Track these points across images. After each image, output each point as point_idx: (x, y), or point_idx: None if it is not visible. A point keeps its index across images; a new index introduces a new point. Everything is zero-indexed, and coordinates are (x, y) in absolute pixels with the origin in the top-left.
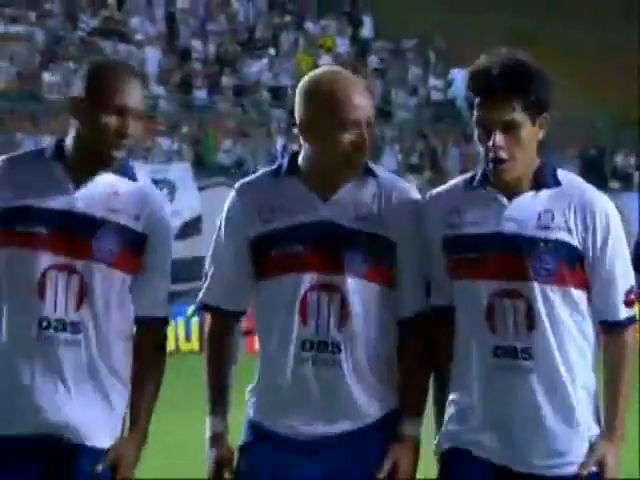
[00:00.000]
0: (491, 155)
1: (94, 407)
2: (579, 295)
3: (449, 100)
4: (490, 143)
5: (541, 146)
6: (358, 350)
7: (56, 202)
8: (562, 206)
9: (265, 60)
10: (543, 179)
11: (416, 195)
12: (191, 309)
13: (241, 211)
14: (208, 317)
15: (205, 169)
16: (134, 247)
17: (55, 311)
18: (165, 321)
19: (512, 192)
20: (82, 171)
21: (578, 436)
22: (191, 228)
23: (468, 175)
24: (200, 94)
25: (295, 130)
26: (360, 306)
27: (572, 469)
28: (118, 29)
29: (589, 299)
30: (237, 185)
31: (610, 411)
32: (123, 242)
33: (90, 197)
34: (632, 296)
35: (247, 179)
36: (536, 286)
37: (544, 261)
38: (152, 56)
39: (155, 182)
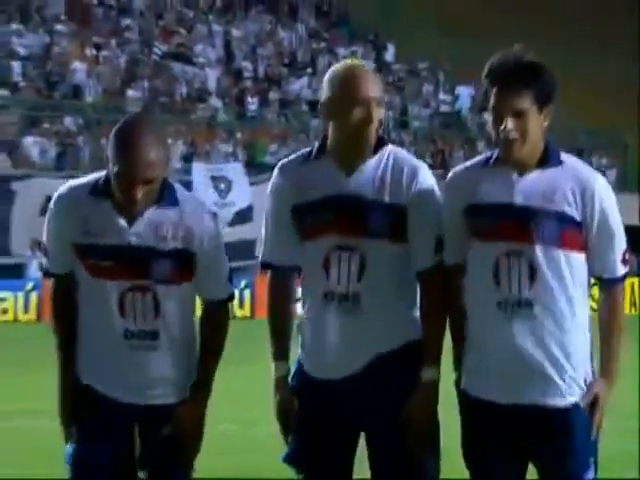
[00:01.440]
0: (502, 136)
1: (169, 373)
2: (575, 257)
3: (455, 111)
4: (502, 127)
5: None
6: (376, 299)
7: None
8: (564, 182)
9: (305, 79)
10: (548, 159)
11: (423, 168)
12: (244, 282)
13: (282, 185)
14: (267, 275)
15: (255, 168)
16: (188, 263)
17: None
18: (225, 301)
19: (522, 169)
20: None
21: (576, 375)
22: (244, 216)
23: (485, 155)
24: (252, 107)
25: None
26: (376, 262)
27: (568, 402)
28: (185, 54)
29: (586, 260)
30: (279, 164)
31: (605, 356)
32: (175, 263)
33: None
34: (627, 255)
35: (287, 159)
36: (537, 248)
37: (546, 228)
38: (212, 76)
39: (214, 179)
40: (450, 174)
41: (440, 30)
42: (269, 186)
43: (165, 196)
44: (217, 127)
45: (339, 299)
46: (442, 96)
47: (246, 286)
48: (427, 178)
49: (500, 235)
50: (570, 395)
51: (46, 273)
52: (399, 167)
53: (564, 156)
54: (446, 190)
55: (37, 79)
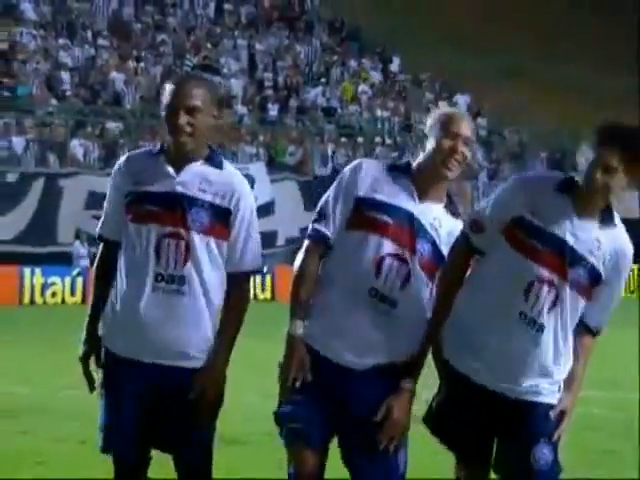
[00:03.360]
0: (595, 185)
1: (190, 336)
2: (583, 303)
3: None
4: (594, 178)
5: (519, 155)
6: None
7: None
8: (608, 244)
9: (320, 88)
10: (607, 218)
11: None
12: (265, 268)
13: (357, 175)
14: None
15: (275, 167)
16: (222, 219)
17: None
18: (248, 275)
19: (583, 215)
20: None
21: (559, 380)
22: (265, 210)
23: (561, 178)
24: (272, 112)
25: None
26: (417, 281)
27: (546, 400)
28: (213, 65)
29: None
30: (363, 160)
31: (577, 378)
32: (211, 216)
33: (186, 180)
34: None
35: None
36: (568, 287)
37: (578, 274)
38: (237, 85)
39: None
40: (519, 181)
41: (440, 45)
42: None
43: (212, 158)
44: (242, 130)
45: (380, 298)
46: (441, 103)
47: (268, 272)
48: None
49: (543, 261)
50: (550, 397)
51: (99, 237)
52: None
53: (616, 220)
54: (507, 187)
55: (82, 88)
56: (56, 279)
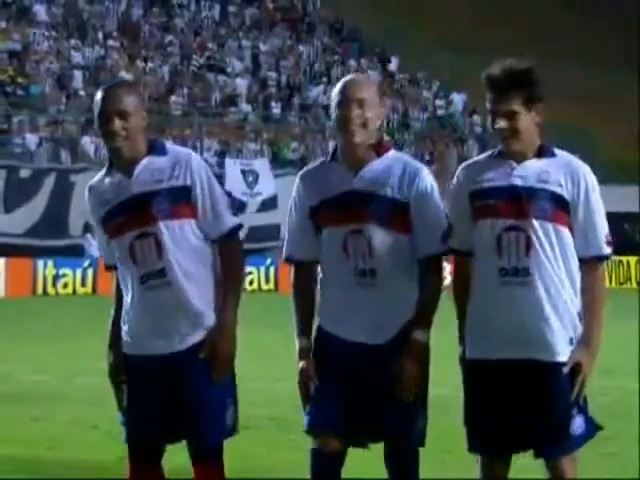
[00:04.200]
0: (498, 134)
1: (187, 304)
2: (566, 232)
3: (449, 115)
4: (497, 126)
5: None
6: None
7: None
8: (556, 169)
9: (321, 87)
10: (543, 152)
11: (420, 166)
12: (269, 260)
13: (302, 190)
14: (291, 268)
15: (279, 163)
16: (184, 197)
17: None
18: (229, 232)
19: (520, 160)
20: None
21: (565, 332)
22: (269, 204)
23: (492, 151)
24: (276, 110)
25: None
26: (382, 244)
27: (557, 357)
28: (219, 65)
29: (573, 238)
30: (300, 173)
31: (587, 326)
32: (174, 200)
33: (139, 179)
34: (609, 238)
35: (306, 168)
36: (534, 222)
37: (541, 205)
38: (242, 84)
39: (244, 172)
40: (459, 168)
41: (436, 46)
42: (293, 191)
43: (153, 147)
44: (246, 128)
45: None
46: (438, 102)
47: (271, 264)
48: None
49: (501, 213)
50: (558, 354)
51: (107, 267)
52: (400, 165)
53: (557, 150)
54: (455, 181)
55: (93, 87)
56: (67, 271)
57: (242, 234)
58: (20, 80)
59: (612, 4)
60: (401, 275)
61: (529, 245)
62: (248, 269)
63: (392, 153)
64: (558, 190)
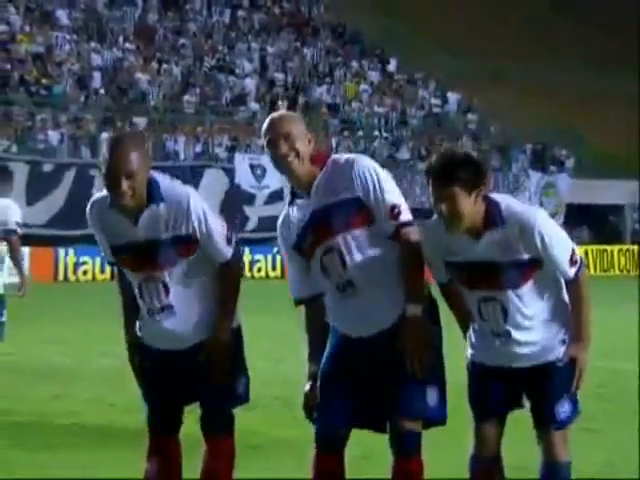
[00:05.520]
0: (442, 217)
1: (192, 323)
2: (536, 279)
3: (445, 113)
4: (439, 210)
5: (504, 147)
6: (366, 281)
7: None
8: (512, 237)
9: (325, 87)
10: (492, 220)
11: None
12: (276, 249)
13: (281, 238)
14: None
15: None
16: (186, 242)
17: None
18: (228, 262)
19: (474, 235)
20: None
21: (557, 340)
22: (276, 196)
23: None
24: (282, 109)
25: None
26: (355, 250)
27: (550, 359)
28: (228, 66)
29: (553, 272)
30: (278, 223)
31: (577, 324)
32: (175, 247)
33: (144, 227)
34: (575, 256)
35: (279, 219)
36: (508, 293)
37: (510, 276)
38: (251, 84)
39: (252, 166)
40: (423, 228)
41: (433, 48)
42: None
43: (152, 196)
44: (255, 125)
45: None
46: (434, 100)
47: (277, 252)
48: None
49: (475, 285)
50: (552, 354)
51: (109, 263)
52: (349, 168)
53: (504, 210)
54: (424, 241)
55: (111, 87)
56: (87, 259)
57: (252, 225)
58: (43, 81)
59: (609, 5)
60: (380, 277)
61: (506, 313)
62: (256, 257)
63: (330, 160)
64: (521, 257)
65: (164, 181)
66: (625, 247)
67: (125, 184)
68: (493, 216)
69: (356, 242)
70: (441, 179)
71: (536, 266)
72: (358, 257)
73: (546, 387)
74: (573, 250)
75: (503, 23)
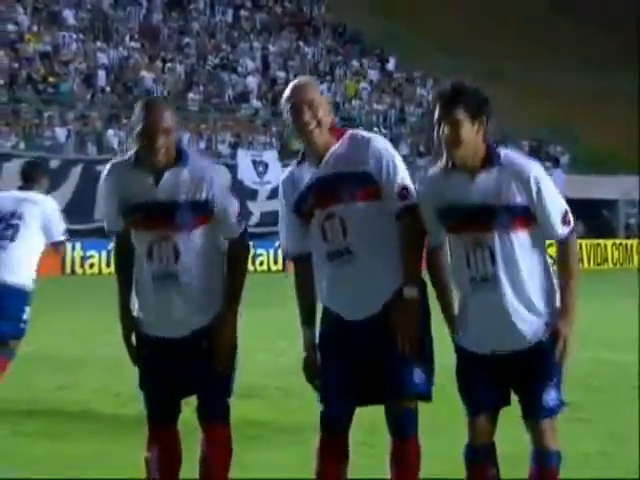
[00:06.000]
0: (443, 142)
1: (196, 300)
2: (525, 234)
3: None
4: (441, 135)
5: (501, 143)
6: (364, 249)
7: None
8: (507, 180)
9: (325, 85)
10: (490, 160)
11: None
12: (277, 242)
13: (282, 192)
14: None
15: (286, 154)
16: (203, 210)
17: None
18: (239, 239)
19: (470, 171)
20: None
21: (540, 321)
22: (277, 192)
23: (442, 163)
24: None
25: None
26: (357, 220)
27: (535, 341)
28: (231, 65)
29: (539, 228)
30: (280, 178)
31: (563, 298)
32: (192, 212)
33: (165, 188)
34: (568, 217)
35: (282, 175)
36: (497, 236)
37: (502, 219)
38: (253, 82)
39: (255, 163)
40: (418, 183)
41: (431, 47)
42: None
43: (178, 159)
44: (257, 122)
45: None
46: (431, 98)
47: (279, 246)
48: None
49: (466, 229)
50: (536, 335)
51: (109, 231)
52: (363, 142)
53: (503, 155)
54: (418, 196)
55: (116, 85)
56: (94, 252)
57: (255, 219)
58: (50, 79)
59: (609, 5)
60: (379, 249)
61: (494, 258)
62: (259, 251)
63: (347, 134)
64: (512, 200)
65: (192, 151)
66: (618, 241)
67: (161, 139)
68: (491, 156)
69: (359, 213)
70: (447, 101)
71: (529, 217)
72: (359, 227)
73: (532, 377)
74: (567, 210)
75: (503, 23)
